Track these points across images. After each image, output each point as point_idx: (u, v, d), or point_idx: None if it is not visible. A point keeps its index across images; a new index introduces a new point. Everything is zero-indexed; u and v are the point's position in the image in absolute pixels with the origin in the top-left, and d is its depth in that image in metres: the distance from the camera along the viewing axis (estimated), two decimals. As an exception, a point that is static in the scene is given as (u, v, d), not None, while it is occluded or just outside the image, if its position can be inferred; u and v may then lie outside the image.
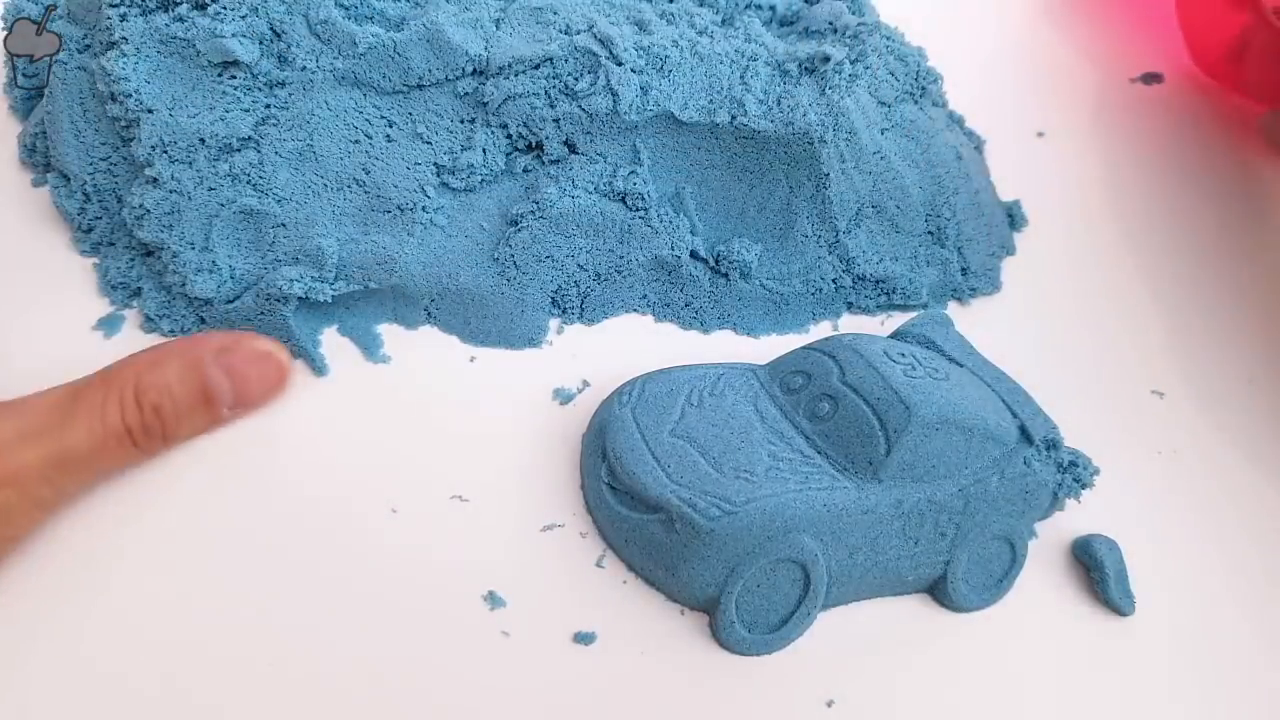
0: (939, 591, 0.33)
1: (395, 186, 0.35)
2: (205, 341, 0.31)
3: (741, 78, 0.37)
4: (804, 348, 0.35)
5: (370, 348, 0.35)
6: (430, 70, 0.35)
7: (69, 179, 0.35)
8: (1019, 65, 0.53)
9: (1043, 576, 0.34)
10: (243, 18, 0.34)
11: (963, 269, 0.42)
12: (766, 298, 0.39)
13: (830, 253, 0.39)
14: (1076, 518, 0.35)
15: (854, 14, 0.41)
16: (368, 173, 0.35)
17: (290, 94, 0.34)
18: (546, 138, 0.36)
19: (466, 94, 0.35)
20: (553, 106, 0.35)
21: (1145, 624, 0.34)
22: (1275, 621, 0.35)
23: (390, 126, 0.35)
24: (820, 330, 0.40)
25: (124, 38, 0.33)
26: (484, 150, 0.36)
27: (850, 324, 0.40)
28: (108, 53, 0.33)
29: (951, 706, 0.31)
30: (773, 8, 0.41)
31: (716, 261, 0.38)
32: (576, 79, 0.35)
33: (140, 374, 0.29)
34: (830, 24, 0.40)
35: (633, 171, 0.37)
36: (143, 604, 0.29)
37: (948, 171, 0.42)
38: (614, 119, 0.36)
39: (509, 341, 0.36)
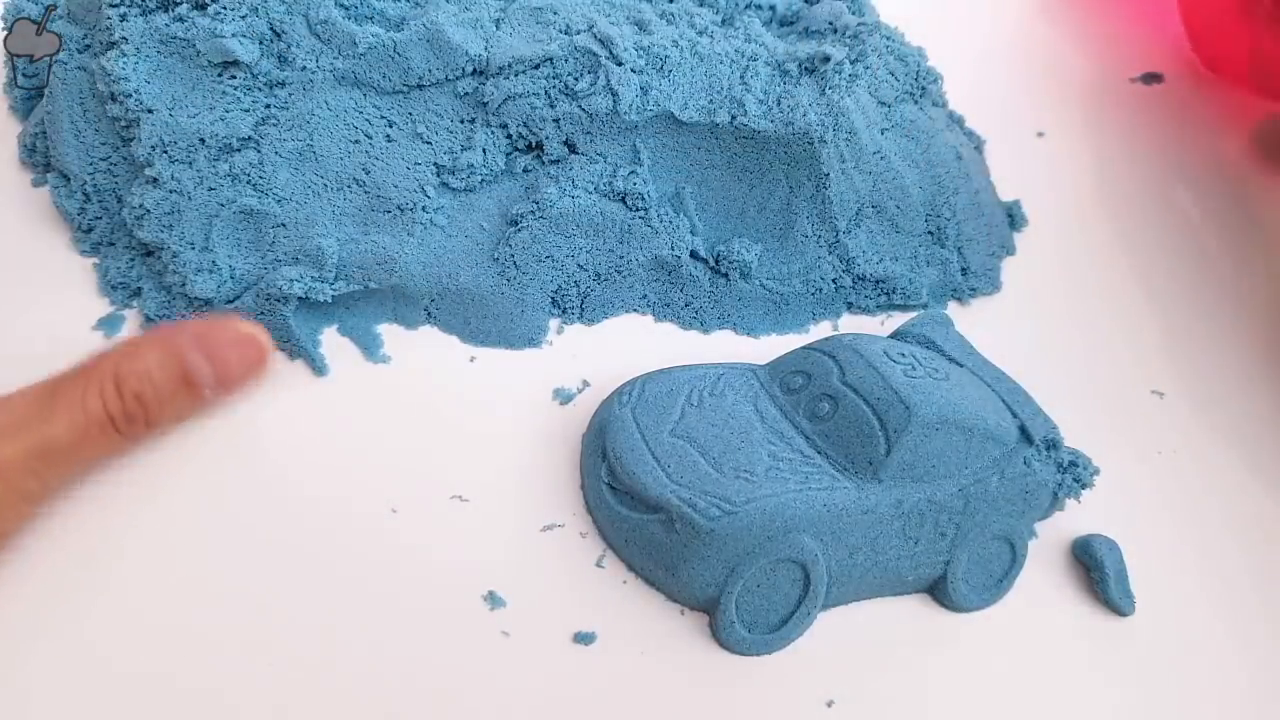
0: (939, 591, 0.33)
1: (395, 186, 0.35)
2: (183, 328, 0.31)
3: (741, 78, 0.37)
4: (804, 348, 0.35)
5: (370, 348, 0.35)
6: (430, 70, 0.35)
7: (69, 179, 0.35)
8: (1019, 65, 0.53)
9: (1043, 576, 0.34)
10: (243, 18, 0.34)
11: (963, 269, 0.42)
12: (766, 298, 0.39)
13: (830, 253, 0.39)
14: (1076, 518, 0.35)
15: (854, 14, 0.41)
16: (368, 173, 0.35)
17: (290, 94, 0.34)
18: (546, 138, 0.36)
19: (466, 94, 0.35)
20: (553, 106, 0.35)
21: (1145, 624, 0.34)
22: (1275, 621, 0.35)
23: (390, 126, 0.35)
24: (820, 330, 0.40)
25: (124, 38, 0.33)
26: (484, 150, 0.36)
27: (850, 324, 0.40)
28: (108, 53, 0.34)
29: (951, 706, 0.31)
30: (773, 8, 0.41)
31: (716, 261, 0.38)
32: (576, 79, 0.35)
33: (119, 363, 0.29)
34: (830, 24, 0.40)
35: (633, 171, 0.37)
36: (142, 605, 0.29)
37: (948, 171, 0.42)
38: (614, 119, 0.36)
39: (509, 341, 0.36)
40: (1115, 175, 0.48)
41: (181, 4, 0.34)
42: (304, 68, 0.34)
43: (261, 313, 0.34)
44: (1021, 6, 0.57)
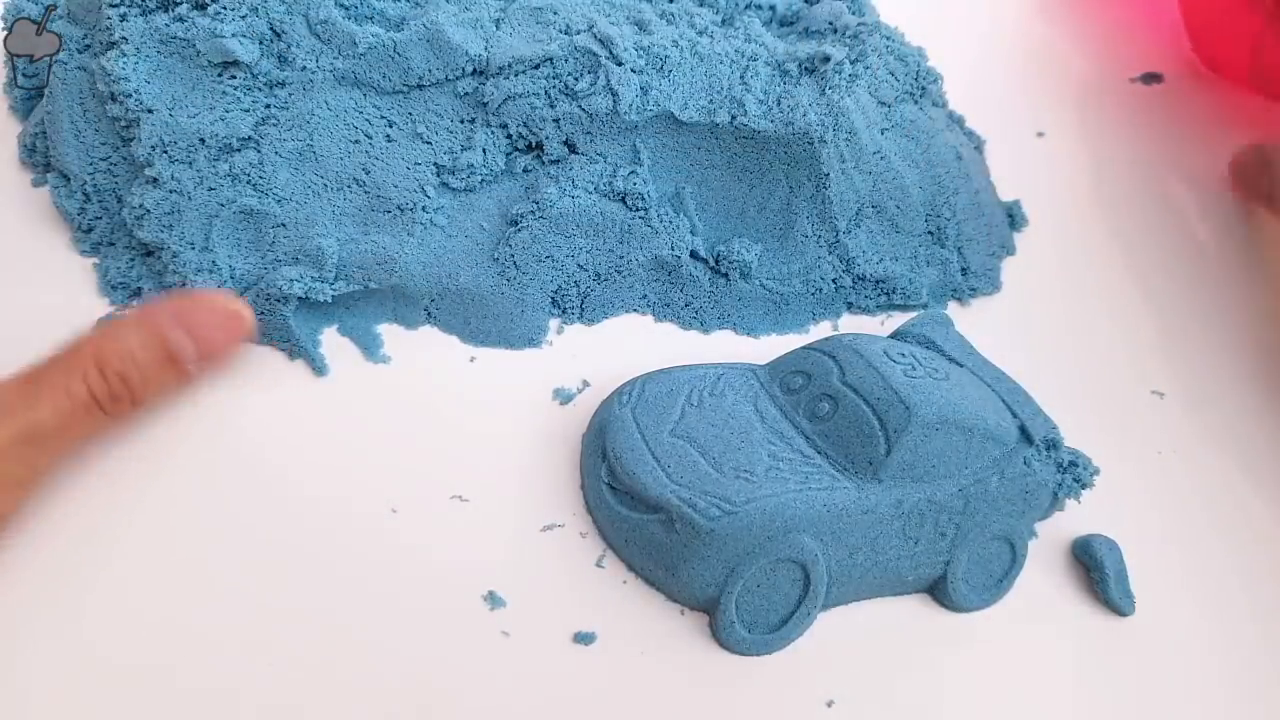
0: (939, 591, 0.33)
1: (395, 186, 0.35)
2: (162, 305, 0.31)
3: (741, 78, 0.37)
4: (804, 348, 0.35)
5: (370, 348, 0.35)
6: (430, 70, 0.35)
7: (69, 179, 0.35)
8: (1019, 65, 0.53)
9: (1043, 576, 0.34)
10: (243, 18, 0.34)
11: (963, 269, 0.42)
12: (766, 298, 0.39)
13: (830, 253, 0.39)
14: (1076, 518, 0.35)
15: (854, 14, 0.41)
16: (368, 173, 0.35)
17: (290, 94, 0.34)
18: (546, 138, 0.36)
19: (466, 94, 0.35)
20: (553, 106, 0.35)
21: (1145, 624, 0.34)
22: (1275, 621, 0.35)
23: (390, 126, 0.35)
24: (820, 330, 0.40)
25: (124, 38, 0.33)
26: (484, 150, 0.36)
27: (850, 324, 0.40)
28: (108, 53, 0.34)
29: (951, 706, 0.31)
30: (773, 8, 0.41)
31: (716, 261, 0.38)
32: (576, 79, 0.35)
33: (101, 345, 0.30)
34: (830, 24, 0.40)
35: (633, 171, 0.37)
36: (142, 605, 0.29)
37: (948, 171, 0.42)
38: (614, 119, 0.36)
39: (509, 341, 0.36)
40: (1115, 175, 0.48)
41: (181, 4, 0.34)
42: (304, 68, 0.34)
43: (261, 313, 0.34)
44: (1021, 6, 0.57)
